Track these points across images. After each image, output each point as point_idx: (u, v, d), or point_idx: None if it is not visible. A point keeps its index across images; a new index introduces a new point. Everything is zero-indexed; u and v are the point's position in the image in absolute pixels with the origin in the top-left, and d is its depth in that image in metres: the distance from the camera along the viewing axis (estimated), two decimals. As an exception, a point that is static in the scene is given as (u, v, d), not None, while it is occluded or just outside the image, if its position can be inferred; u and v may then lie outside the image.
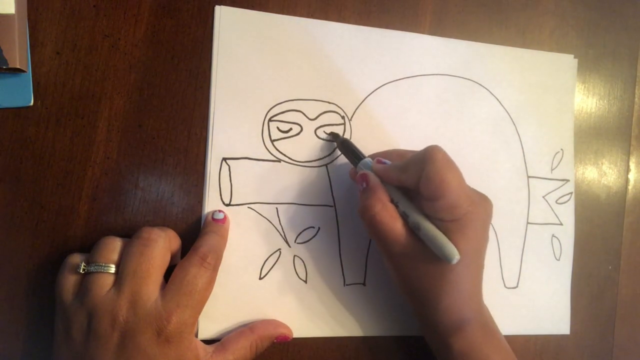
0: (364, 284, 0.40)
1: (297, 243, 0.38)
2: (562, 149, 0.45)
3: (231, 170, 0.37)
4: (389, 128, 0.41)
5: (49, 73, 0.35)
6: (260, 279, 0.37)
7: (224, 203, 0.37)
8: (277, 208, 0.38)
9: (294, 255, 0.38)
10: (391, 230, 0.32)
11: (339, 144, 0.38)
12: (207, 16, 0.38)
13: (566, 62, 0.46)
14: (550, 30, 0.46)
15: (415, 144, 0.40)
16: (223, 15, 0.38)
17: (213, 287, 0.33)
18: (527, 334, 0.43)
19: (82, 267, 0.31)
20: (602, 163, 0.47)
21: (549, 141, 0.45)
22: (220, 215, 0.36)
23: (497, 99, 0.44)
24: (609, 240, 0.46)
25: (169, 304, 0.30)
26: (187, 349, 0.31)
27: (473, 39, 0.43)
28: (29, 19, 0.34)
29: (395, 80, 0.41)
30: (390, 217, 0.32)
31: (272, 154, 0.38)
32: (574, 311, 0.44)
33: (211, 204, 0.37)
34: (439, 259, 0.31)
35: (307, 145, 0.39)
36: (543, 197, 0.44)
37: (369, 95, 0.40)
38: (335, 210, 0.39)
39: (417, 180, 0.31)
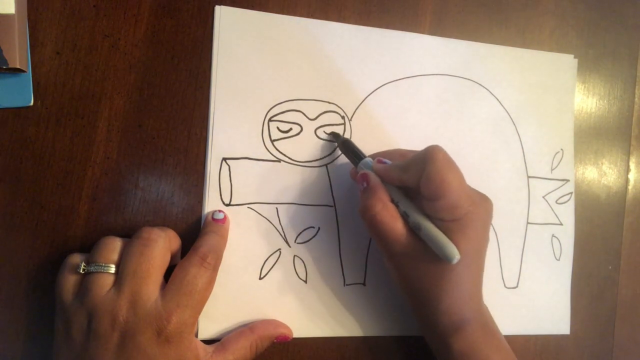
0: (364, 284, 0.40)
1: (297, 243, 0.38)
2: (562, 149, 0.45)
3: (231, 170, 0.37)
4: (389, 128, 0.41)
5: (49, 73, 0.35)
6: (260, 279, 0.37)
7: (224, 203, 0.37)
8: (277, 208, 0.38)
9: (294, 255, 0.38)
10: (392, 230, 0.32)
11: (340, 143, 0.38)
12: (207, 16, 0.38)
13: (566, 62, 0.46)
14: (550, 30, 0.46)
15: (415, 144, 0.40)
16: (223, 15, 0.38)
17: (213, 287, 0.33)
18: (527, 334, 0.43)
19: (82, 267, 0.31)
20: (602, 163, 0.47)
21: (549, 141, 0.45)
22: (220, 215, 0.36)
23: (497, 99, 0.43)
24: (609, 240, 0.46)
25: (169, 304, 0.30)
26: (187, 349, 0.31)
27: (473, 39, 0.43)
28: (29, 19, 0.34)
29: (395, 80, 0.41)
30: (390, 217, 0.32)
31: (272, 154, 0.38)
32: (574, 311, 0.44)
33: (211, 204, 0.37)
34: (439, 259, 0.31)
35: (307, 145, 0.39)
36: (543, 197, 0.44)
37: (369, 95, 0.40)
38: (335, 210, 0.39)
39: (418, 180, 0.31)
